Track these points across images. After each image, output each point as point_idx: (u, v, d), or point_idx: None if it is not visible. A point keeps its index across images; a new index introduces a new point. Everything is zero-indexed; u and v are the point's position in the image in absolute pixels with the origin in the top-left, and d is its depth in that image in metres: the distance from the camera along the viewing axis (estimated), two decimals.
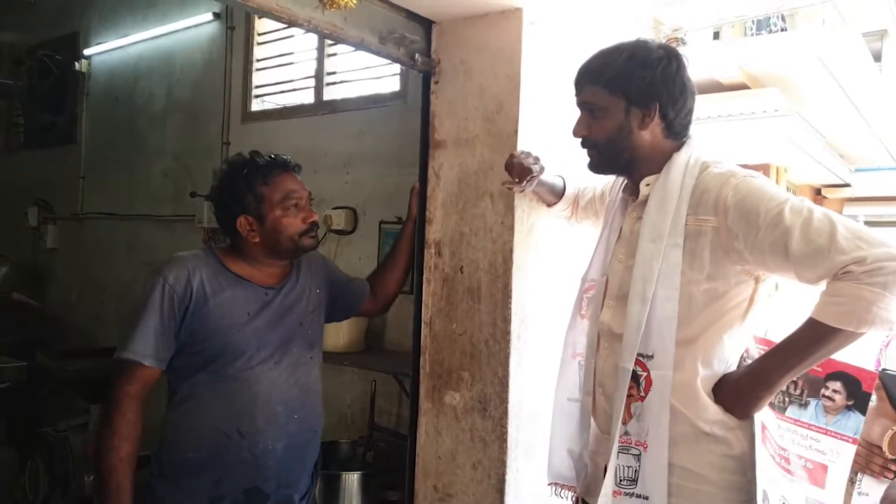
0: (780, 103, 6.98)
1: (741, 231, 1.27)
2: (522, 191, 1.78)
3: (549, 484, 1.68)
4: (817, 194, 11.00)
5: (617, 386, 1.38)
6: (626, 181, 1.53)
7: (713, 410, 1.34)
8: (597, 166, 1.49)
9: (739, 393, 1.34)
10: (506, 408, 1.87)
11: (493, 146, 1.91)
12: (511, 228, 1.87)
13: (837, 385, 1.45)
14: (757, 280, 1.35)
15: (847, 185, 10.67)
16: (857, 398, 1.41)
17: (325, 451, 1.93)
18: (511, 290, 1.87)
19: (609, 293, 1.48)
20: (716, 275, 1.32)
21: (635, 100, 1.38)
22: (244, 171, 1.72)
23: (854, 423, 1.42)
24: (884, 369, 1.54)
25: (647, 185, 1.42)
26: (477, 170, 1.95)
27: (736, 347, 1.40)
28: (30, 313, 4.73)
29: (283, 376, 1.73)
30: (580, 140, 1.48)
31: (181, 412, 1.68)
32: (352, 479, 2.55)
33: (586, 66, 1.44)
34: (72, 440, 3.32)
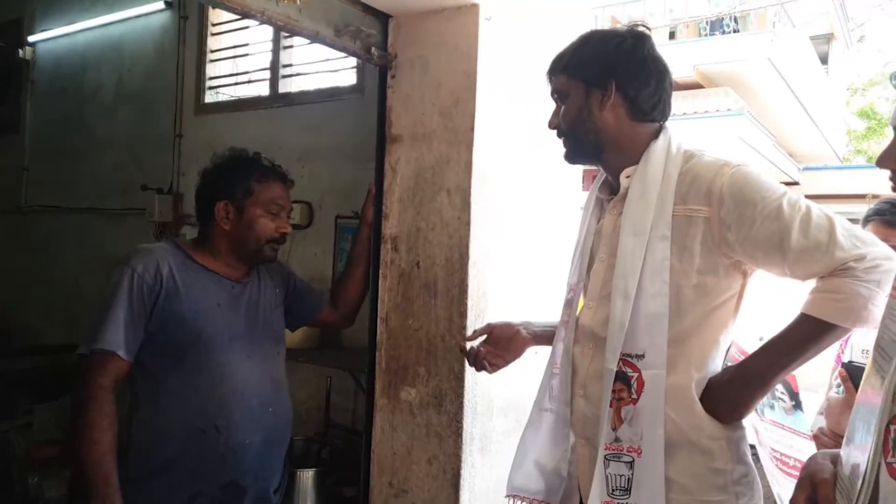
0: (732, 102, 7.17)
1: (734, 222, 1.22)
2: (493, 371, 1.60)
3: (507, 496, 1.55)
4: None
5: (602, 389, 1.30)
6: (603, 180, 1.47)
7: (704, 419, 1.26)
8: (568, 154, 1.43)
9: (731, 396, 1.26)
10: (461, 403, 1.87)
11: (450, 141, 1.91)
12: (468, 224, 1.87)
13: (780, 388, 1.48)
14: (745, 274, 1.29)
15: (796, 184, 11.04)
16: (795, 399, 1.45)
17: None
18: (467, 286, 1.87)
19: (589, 294, 1.41)
20: (705, 268, 1.26)
21: (592, 81, 1.34)
22: (245, 163, 1.76)
23: (802, 420, 1.45)
24: (850, 361, 1.57)
25: (627, 177, 1.35)
26: (434, 164, 1.94)
27: (726, 348, 1.35)
28: None
29: (257, 370, 1.73)
30: (555, 131, 1.43)
31: (151, 411, 1.64)
32: (307, 477, 2.53)
33: (554, 57, 1.42)
34: (15, 441, 3.21)
